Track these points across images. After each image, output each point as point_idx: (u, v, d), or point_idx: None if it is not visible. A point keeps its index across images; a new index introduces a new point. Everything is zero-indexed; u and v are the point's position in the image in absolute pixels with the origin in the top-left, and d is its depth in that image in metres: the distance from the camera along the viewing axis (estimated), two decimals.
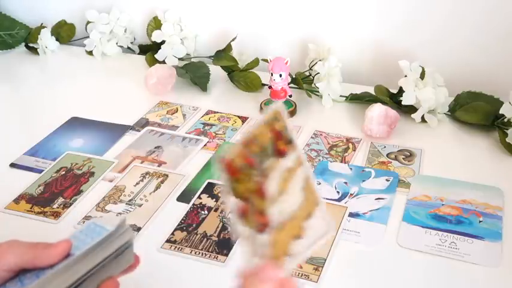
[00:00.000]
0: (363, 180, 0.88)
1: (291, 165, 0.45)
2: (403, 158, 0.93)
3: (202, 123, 1.05)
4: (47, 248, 0.51)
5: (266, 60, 1.07)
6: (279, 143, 0.45)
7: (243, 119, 1.06)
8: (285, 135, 0.45)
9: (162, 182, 0.89)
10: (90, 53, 1.35)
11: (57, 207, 0.84)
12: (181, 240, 0.76)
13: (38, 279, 0.49)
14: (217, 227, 0.79)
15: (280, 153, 0.45)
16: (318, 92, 1.09)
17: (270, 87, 1.06)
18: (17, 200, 0.85)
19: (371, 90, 1.09)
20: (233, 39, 1.20)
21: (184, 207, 0.83)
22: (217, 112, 1.09)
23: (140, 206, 0.84)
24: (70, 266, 0.49)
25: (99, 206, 0.84)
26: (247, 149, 0.45)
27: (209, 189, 0.86)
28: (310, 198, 0.44)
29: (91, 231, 0.53)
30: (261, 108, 1.08)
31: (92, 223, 0.54)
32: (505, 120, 0.95)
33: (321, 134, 1.00)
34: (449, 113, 1.04)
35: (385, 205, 0.82)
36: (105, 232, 0.52)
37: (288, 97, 1.07)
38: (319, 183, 0.87)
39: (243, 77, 1.17)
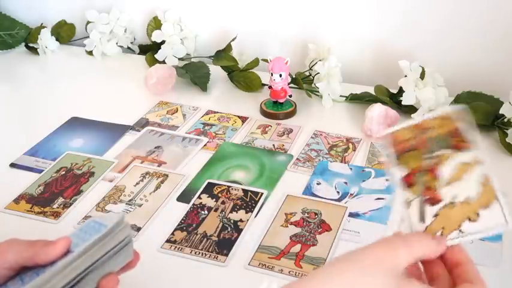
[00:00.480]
0: (363, 180, 0.88)
1: (468, 160, 0.50)
2: None
3: (202, 123, 1.05)
4: (46, 246, 0.51)
5: (266, 60, 1.07)
6: (456, 139, 0.50)
7: (243, 119, 1.06)
8: (463, 134, 0.51)
9: (162, 182, 0.89)
10: (90, 53, 1.35)
11: (57, 207, 0.84)
12: (181, 240, 0.76)
13: (37, 276, 0.49)
14: (217, 227, 0.79)
15: (456, 148, 0.50)
16: (318, 92, 1.09)
17: (270, 87, 1.06)
18: (17, 200, 0.85)
19: (371, 90, 1.09)
20: (233, 39, 1.20)
21: (184, 207, 0.83)
22: (217, 112, 1.09)
23: (140, 206, 0.84)
24: (69, 263, 0.49)
25: (99, 206, 0.84)
26: (421, 132, 0.51)
27: (209, 189, 0.86)
28: (489, 193, 0.48)
29: (90, 229, 0.53)
30: (261, 108, 1.08)
31: (91, 221, 0.54)
32: (505, 120, 0.95)
33: (321, 134, 1.00)
34: None
35: (385, 205, 0.82)
36: (104, 229, 0.52)
37: (288, 97, 1.07)
38: (319, 183, 0.87)
39: (243, 77, 1.17)
